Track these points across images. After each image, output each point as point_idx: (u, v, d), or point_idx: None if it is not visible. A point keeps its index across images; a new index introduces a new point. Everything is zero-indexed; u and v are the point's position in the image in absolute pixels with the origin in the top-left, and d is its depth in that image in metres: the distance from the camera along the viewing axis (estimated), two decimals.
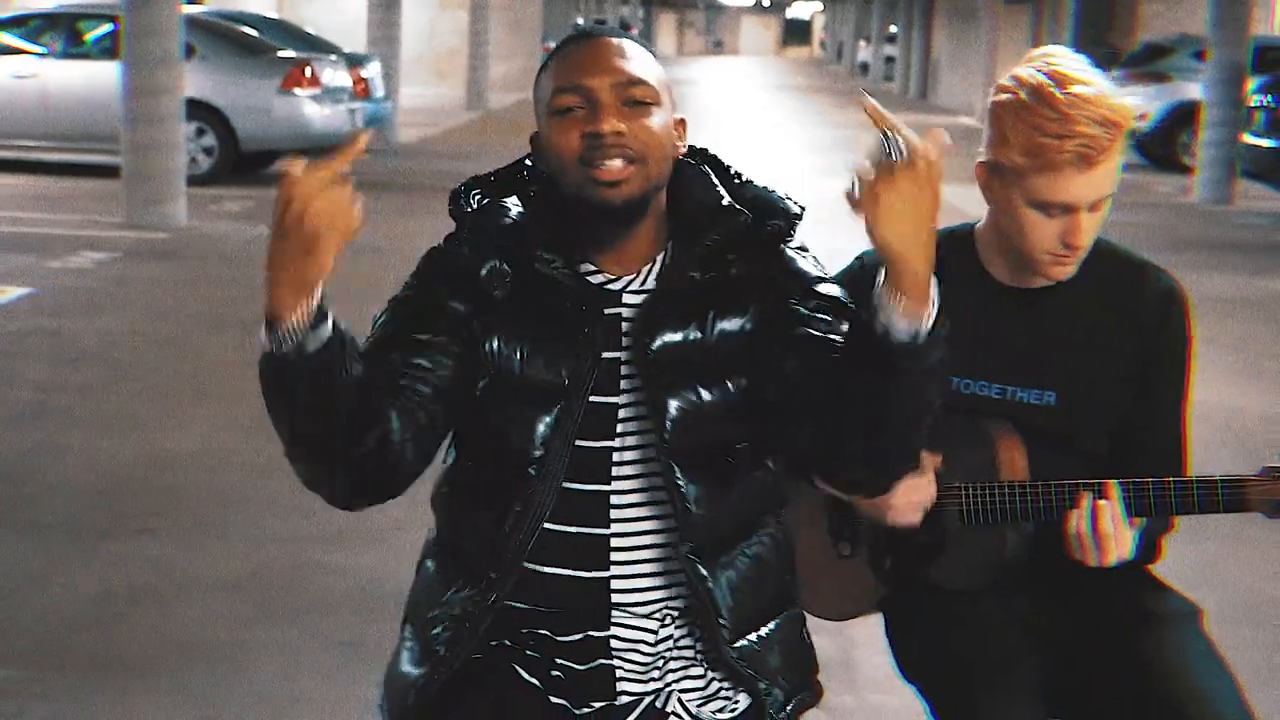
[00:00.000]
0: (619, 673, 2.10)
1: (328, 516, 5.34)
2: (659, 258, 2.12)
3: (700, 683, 2.13)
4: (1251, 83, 16.06)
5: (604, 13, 61.58)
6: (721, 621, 2.09)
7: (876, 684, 3.92)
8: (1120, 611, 2.46)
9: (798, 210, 2.17)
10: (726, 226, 2.10)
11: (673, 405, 2.05)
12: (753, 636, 2.14)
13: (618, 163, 2.01)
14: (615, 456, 2.09)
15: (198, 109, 13.62)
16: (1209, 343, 8.64)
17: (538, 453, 2.06)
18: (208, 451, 5.97)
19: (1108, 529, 2.30)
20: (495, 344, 2.08)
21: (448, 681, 2.09)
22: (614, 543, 2.09)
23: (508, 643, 2.11)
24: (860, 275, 2.56)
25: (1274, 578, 4.92)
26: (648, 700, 2.10)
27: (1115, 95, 2.29)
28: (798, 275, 2.11)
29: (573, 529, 2.08)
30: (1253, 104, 15.56)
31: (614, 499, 2.09)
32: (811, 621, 4.37)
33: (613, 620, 2.10)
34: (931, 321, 1.87)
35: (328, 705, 3.82)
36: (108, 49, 13.88)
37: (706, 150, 2.24)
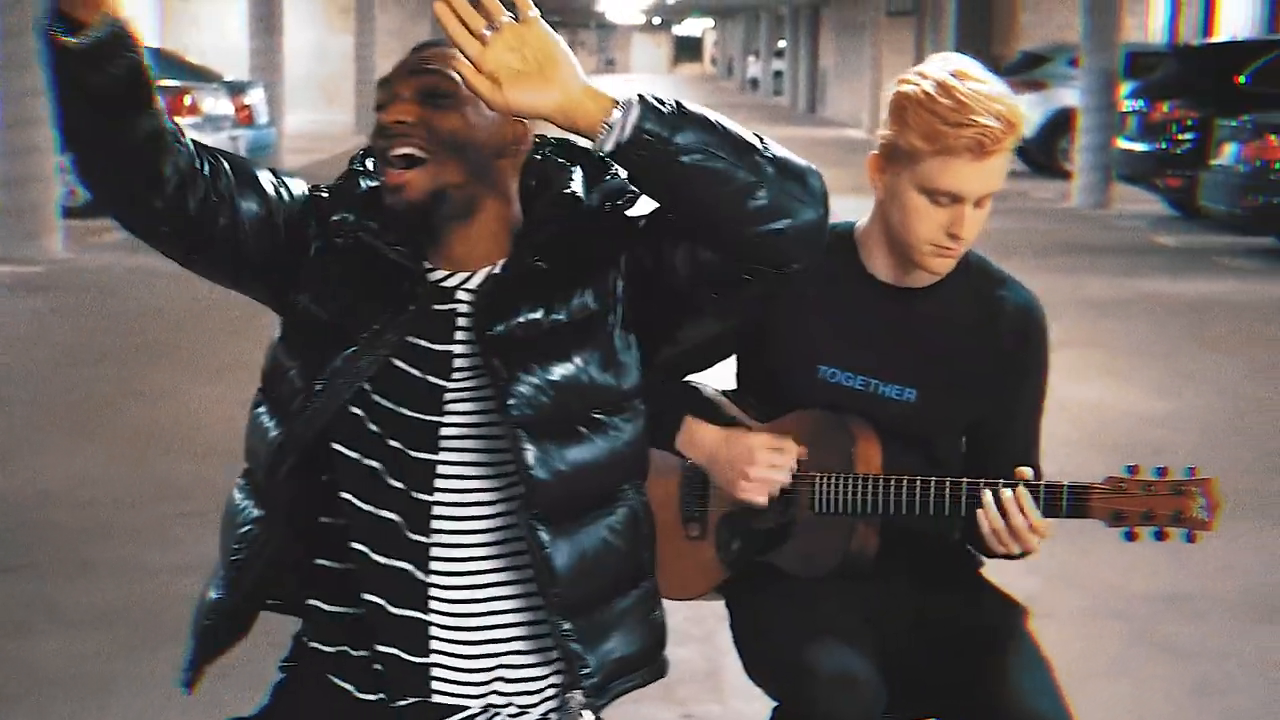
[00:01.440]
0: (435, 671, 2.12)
1: (195, 547, 5.34)
2: (501, 263, 2.14)
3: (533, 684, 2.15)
4: (1124, 88, 16.41)
5: None
6: (554, 592, 2.09)
7: (742, 692, 3.95)
8: (952, 607, 2.54)
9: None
10: (564, 212, 2.12)
11: (518, 386, 2.06)
12: (591, 614, 2.13)
13: (399, 169, 2.04)
14: (442, 431, 2.11)
15: None
16: (1084, 344, 8.86)
17: (315, 385, 2.09)
18: (78, 485, 5.90)
19: (1020, 522, 2.36)
20: (304, 299, 2.13)
21: (272, 705, 2.13)
22: (435, 511, 2.10)
23: (325, 648, 2.14)
24: None
25: (1131, 573, 5.03)
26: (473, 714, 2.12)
27: (1011, 98, 2.40)
28: (639, 216, 2.15)
29: (391, 514, 2.10)
30: (1125, 109, 15.90)
31: (440, 469, 2.11)
32: (679, 631, 4.41)
33: (431, 606, 2.10)
34: (628, 121, 1.88)
35: None
36: None
37: (585, 149, 2.21)
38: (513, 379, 2.06)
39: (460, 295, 2.13)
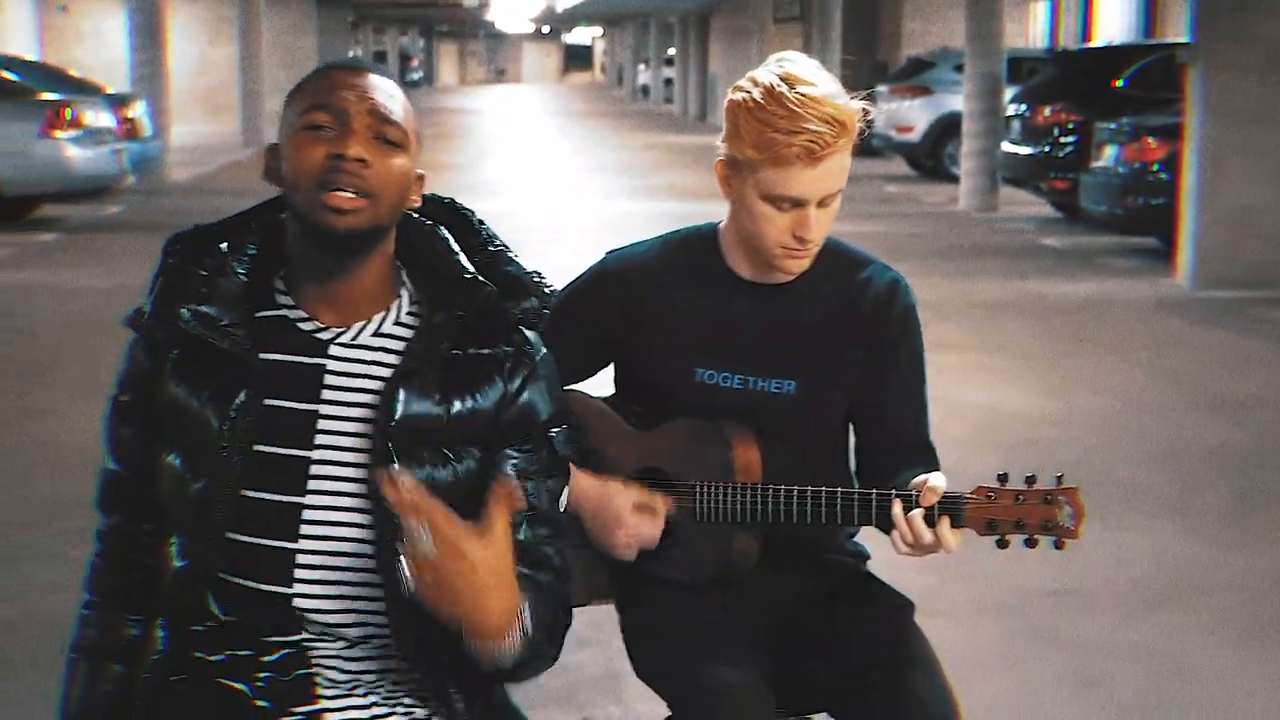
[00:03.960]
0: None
1: (84, 563, 5.25)
2: (379, 316, 2.12)
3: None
4: (1007, 93, 16.67)
5: (383, 44, 61.13)
6: (455, 696, 2.10)
7: (641, 694, 3.96)
8: (837, 606, 2.57)
9: (548, 290, 2.17)
10: (471, 301, 2.10)
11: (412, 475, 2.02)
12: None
13: (349, 193, 2.00)
14: (305, 514, 2.07)
15: None
16: (973, 345, 8.98)
17: (196, 504, 2.07)
18: None
19: (927, 540, 2.35)
20: (175, 386, 2.11)
21: (150, 703, 2.11)
22: (298, 604, 2.06)
23: (210, 656, 2.10)
24: (594, 288, 2.62)
25: (1019, 567, 5.08)
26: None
27: (841, 97, 2.41)
28: (532, 411, 2.12)
29: (255, 584, 2.07)
30: (1009, 113, 16.16)
31: (300, 559, 2.06)
32: (577, 635, 4.41)
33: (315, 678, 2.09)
34: (515, 643, 1.97)
35: None
36: None
37: (456, 204, 2.22)
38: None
39: (333, 351, 2.09)
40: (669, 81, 47.25)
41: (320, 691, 2.08)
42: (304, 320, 2.11)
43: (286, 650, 2.08)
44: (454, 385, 2.08)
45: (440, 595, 1.89)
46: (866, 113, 2.45)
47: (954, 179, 18.48)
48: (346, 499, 2.07)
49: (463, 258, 2.15)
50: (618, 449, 2.57)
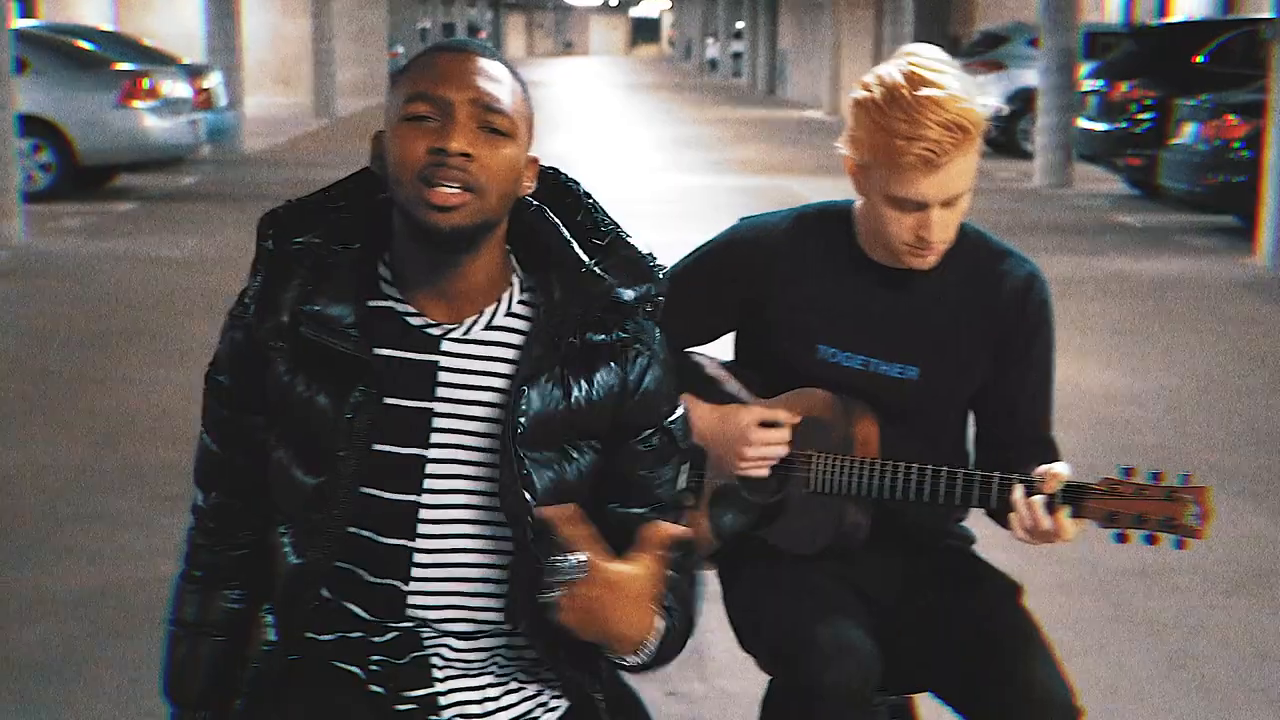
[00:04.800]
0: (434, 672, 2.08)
1: (174, 530, 5.32)
2: (490, 309, 2.05)
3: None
4: (1083, 69, 16.50)
5: (451, 16, 61.21)
6: (598, 698, 2.10)
7: (726, 670, 3.98)
8: (945, 587, 2.56)
9: (664, 275, 2.10)
10: (589, 296, 2.02)
11: (541, 479, 2.00)
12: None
13: (454, 188, 1.91)
14: (421, 514, 2.03)
15: (34, 125, 13.39)
16: None
17: (313, 500, 2.03)
18: (50, 469, 5.88)
19: (1046, 525, 2.36)
20: (286, 380, 2.04)
21: (261, 688, 2.11)
22: (411, 600, 2.04)
23: (322, 637, 2.09)
24: (725, 252, 2.60)
25: (1106, 547, 5.03)
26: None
27: (967, 98, 2.33)
28: (654, 400, 2.08)
29: (371, 577, 2.04)
30: (1085, 89, 15.99)
31: (417, 557, 2.03)
32: None
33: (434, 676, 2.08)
34: (650, 649, 1.97)
35: None
36: None
37: (560, 176, 2.13)
38: (534, 477, 2.00)
39: (445, 347, 2.03)
40: (737, 55, 47.09)
41: (434, 674, 2.06)
42: (413, 315, 2.03)
43: (397, 633, 2.06)
44: (573, 375, 2.03)
45: (581, 620, 1.89)
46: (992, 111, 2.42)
47: (1027, 155, 18.30)
48: (462, 496, 2.03)
49: (576, 246, 2.06)
50: None
